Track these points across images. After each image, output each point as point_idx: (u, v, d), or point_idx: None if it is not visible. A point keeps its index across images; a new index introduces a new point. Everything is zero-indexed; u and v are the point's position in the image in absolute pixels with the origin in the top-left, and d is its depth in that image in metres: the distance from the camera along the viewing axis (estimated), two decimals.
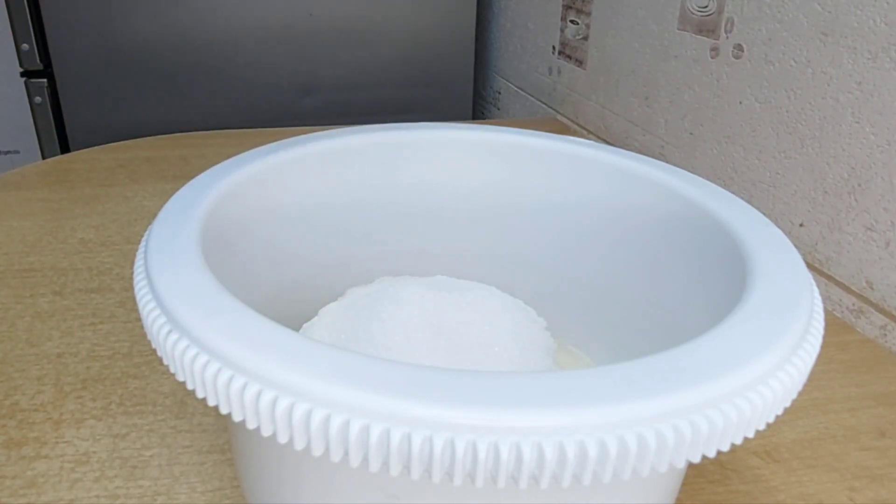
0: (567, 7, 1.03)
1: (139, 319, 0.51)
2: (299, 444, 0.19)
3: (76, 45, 1.10)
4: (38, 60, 1.13)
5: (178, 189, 0.32)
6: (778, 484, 0.38)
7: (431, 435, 0.18)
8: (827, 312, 0.56)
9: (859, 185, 0.53)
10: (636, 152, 0.38)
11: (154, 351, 0.48)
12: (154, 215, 0.69)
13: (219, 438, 0.40)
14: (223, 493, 0.36)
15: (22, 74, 1.15)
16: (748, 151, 0.65)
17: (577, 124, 1.02)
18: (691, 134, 0.74)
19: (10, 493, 0.36)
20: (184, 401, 0.43)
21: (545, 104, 1.13)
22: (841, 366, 0.48)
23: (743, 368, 0.20)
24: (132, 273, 0.59)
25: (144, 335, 0.49)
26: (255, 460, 0.28)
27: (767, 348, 0.21)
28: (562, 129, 1.02)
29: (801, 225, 0.59)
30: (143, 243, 0.28)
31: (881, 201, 0.51)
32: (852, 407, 0.44)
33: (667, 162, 0.38)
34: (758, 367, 0.21)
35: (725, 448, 0.20)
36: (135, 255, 0.62)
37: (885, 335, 0.52)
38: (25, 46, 1.12)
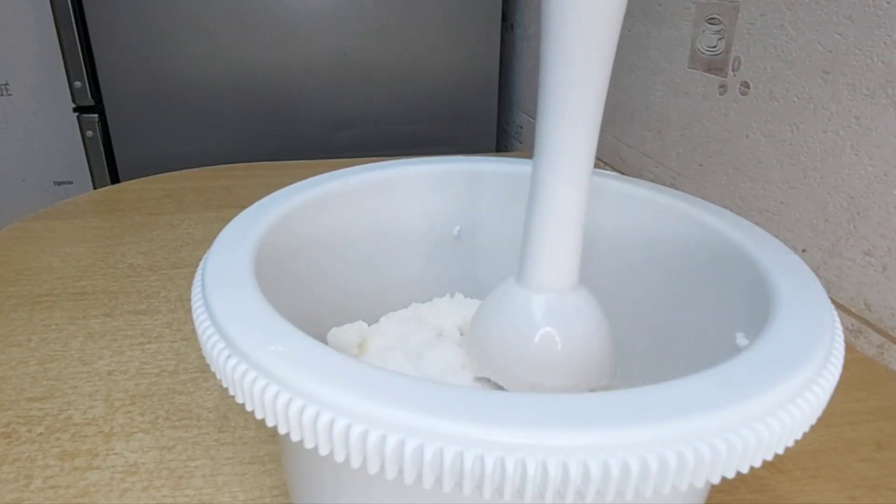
0: None
1: (184, 339, 0.52)
2: (339, 457, 0.19)
3: (125, 83, 1.11)
4: (89, 97, 1.14)
5: (222, 217, 0.33)
6: (783, 493, 0.37)
7: (462, 451, 0.18)
8: None
9: (858, 214, 0.53)
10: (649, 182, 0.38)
11: (198, 368, 0.48)
12: (199, 242, 0.70)
13: (259, 450, 0.40)
14: (263, 501, 0.36)
15: (75, 110, 1.16)
16: (754, 182, 0.65)
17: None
18: (701, 165, 0.74)
19: (64, 502, 0.36)
20: (226, 415, 0.43)
21: None
22: (841, 382, 0.47)
23: (768, 391, 0.20)
24: (182, 297, 0.59)
25: (189, 354, 0.50)
26: (304, 469, 0.28)
27: (792, 373, 0.21)
28: None
29: (803, 251, 0.59)
30: (199, 270, 0.28)
31: (878, 228, 0.51)
32: (852, 421, 0.43)
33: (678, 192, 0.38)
34: (783, 391, 0.21)
35: (758, 464, 0.20)
36: (181, 280, 0.62)
37: (883, 353, 0.52)
38: (78, 84, 1.13)
